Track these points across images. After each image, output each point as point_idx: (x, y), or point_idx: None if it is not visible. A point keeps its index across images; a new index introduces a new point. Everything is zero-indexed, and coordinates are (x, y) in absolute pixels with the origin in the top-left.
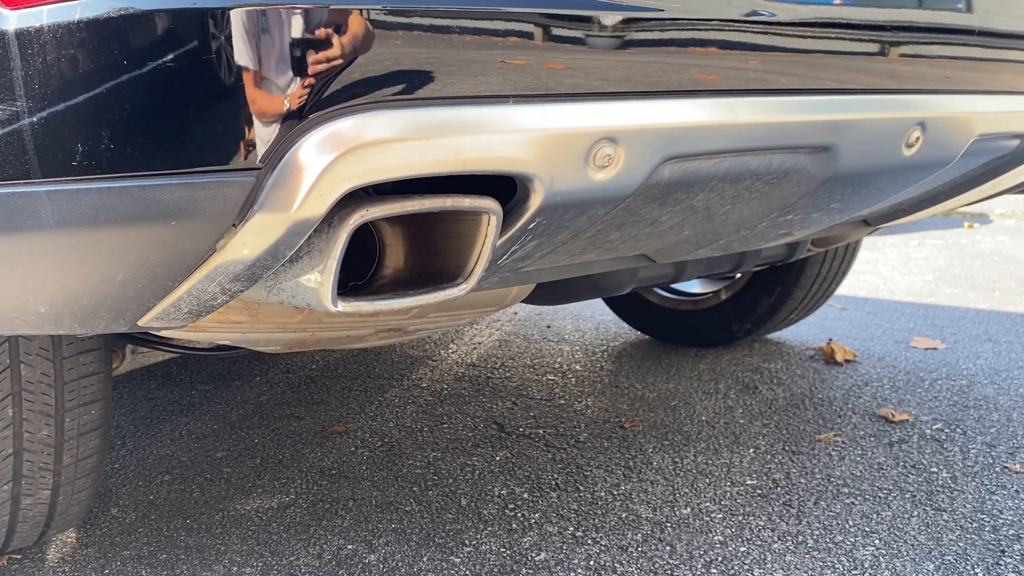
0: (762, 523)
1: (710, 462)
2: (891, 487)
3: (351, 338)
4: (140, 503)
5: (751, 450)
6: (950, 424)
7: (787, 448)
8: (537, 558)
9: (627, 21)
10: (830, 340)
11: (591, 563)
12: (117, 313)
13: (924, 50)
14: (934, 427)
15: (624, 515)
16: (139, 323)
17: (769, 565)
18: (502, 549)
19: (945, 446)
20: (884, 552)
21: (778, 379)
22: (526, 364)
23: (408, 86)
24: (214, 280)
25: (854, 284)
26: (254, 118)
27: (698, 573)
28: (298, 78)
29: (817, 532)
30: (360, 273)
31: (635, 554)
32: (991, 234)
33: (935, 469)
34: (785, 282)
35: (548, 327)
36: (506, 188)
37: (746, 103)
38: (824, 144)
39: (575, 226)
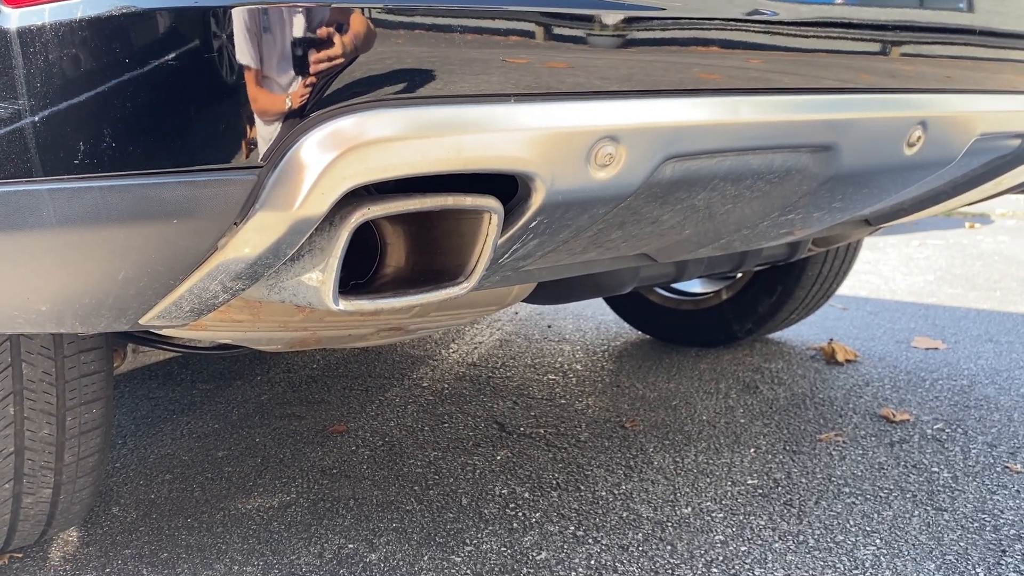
0: (763, 522)
1: (711, 462)
2: (892, 487)
3: (352, 337)
4: (141, 502)
5: (752, 450)
6: (951, 424)
7: (788, 448)
8: (538, 557)
9: (629, 20)
10: (831, 340)
11: (592, 562)
12: (119, 311)
13: (925, 50)
14: (935, 427)
15: (625, 514)
16: (140, 322)
17: (770, 564)
18: (503, 548)
19: (946, 446)
20: (885, 552)
21: (779, 379)
22: (527, 364)
23: (409, 85)
24: (215, 278)
25: (855, 284)
26: (256, 116)
27: (699, 572)
28: (299, 77)
29: (818, 532)
30: (361, 272)
31: (636, 553)
32: (992, 234)
33: (936, 469)
34: (786, 282)
35: (549, 327)
36: (507, 187)
37: (748, 102)
38: (825, 143)
39: (576, 225)
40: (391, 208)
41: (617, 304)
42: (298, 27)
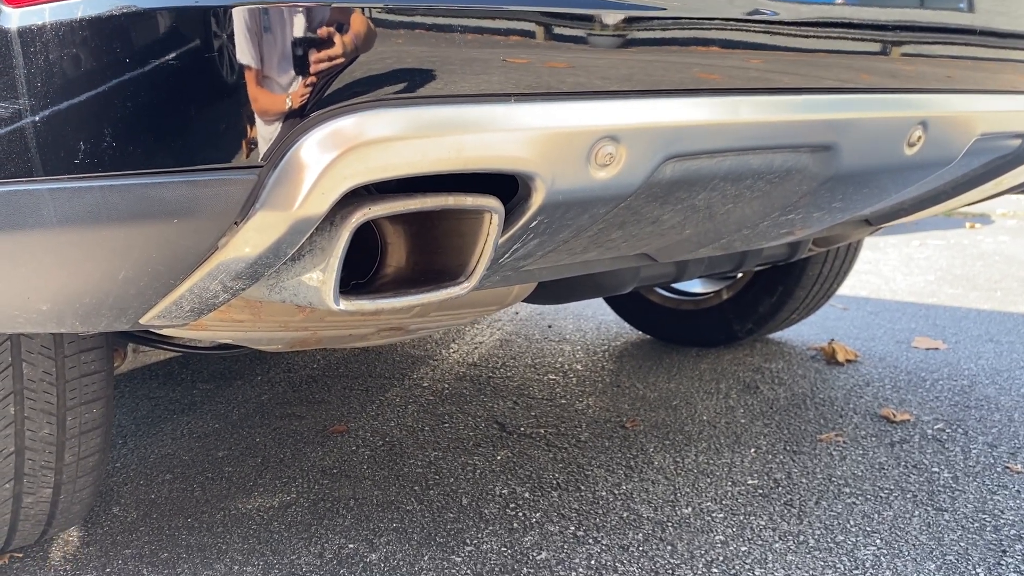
0: (763, 523)
1: (711, 462)
2: (892, 487)
3: (353, 337)
4: (141, 502)
5: (752, 450)
6: (951, 424)
7: (788, 448)
8: (538, 557)
9: (629, 20)
10: (831, 340)
11: (592, 562)
12: (119, 311)
13: (926, 49)
14: (935, 427)
15: (625, 514)
16: (141, 321)
17: (770, 565)
18: (503, 548)
19: (946, 446)
20: (885, 552)
21: (779, 379)
22: (527, 363)
23: (410, 84)
24: (216, 278)
25: (855, 284)
26: (256, 116)
27: (699, 573)
28: (300, 76)
29: (818, 532)
30: (362, 271)
31: (636, 553)
32: (993, 234)
33: (936, 469)
34: (786, 282)
35: (549, 327)
36: (508, 187)
37: (748, 102)
38: (826, 143)
39: (576, 225)
40: (392, 208)
41: (617, 304)
42: (298, 27)
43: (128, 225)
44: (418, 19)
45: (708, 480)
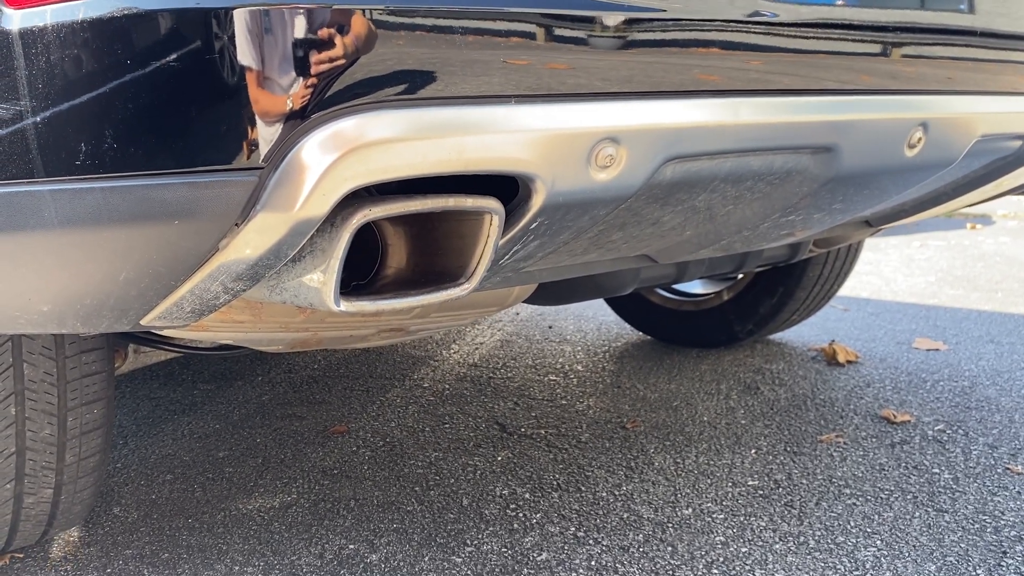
0: (764, 524)
1: (712, 463)
2: (893, 488)
3: (353, 338)
4: (142, 502)
5: (753, 451)
6: (952, 425)
7: (789, 449)
8: (539, 558)
9: (629, 21)
10: (832, 341)
11: (592, 563)
12: (120, 312)
13: (926, 51)
14: (936, 428)
15: (626, 515)
16: (142, 322)
17: (771, 566)
18: (504, 549)
19: (947, 447)
20: (886, 553)
21: (780, 380)
22: (528, 364)
23: (410, 86)
24: (217, 279)
25: (856, 285)
26: (257, 118)
27: (700, 573)
28: (301, 78)
29: (819, 533)
30: (363, 273)
31: (636, 554)
32: (993, 235)
33: (937, 470)
34: (787, 283)
35: (550, 327)
36: (508, 188)
37: (748, 103)
38: (826, 145)
39: (577, 226)
40: (392, 209)
41: (618, 305)
42: (299, 28)
43: (129, 226)
44: (419, 20)
45: (708, 481)
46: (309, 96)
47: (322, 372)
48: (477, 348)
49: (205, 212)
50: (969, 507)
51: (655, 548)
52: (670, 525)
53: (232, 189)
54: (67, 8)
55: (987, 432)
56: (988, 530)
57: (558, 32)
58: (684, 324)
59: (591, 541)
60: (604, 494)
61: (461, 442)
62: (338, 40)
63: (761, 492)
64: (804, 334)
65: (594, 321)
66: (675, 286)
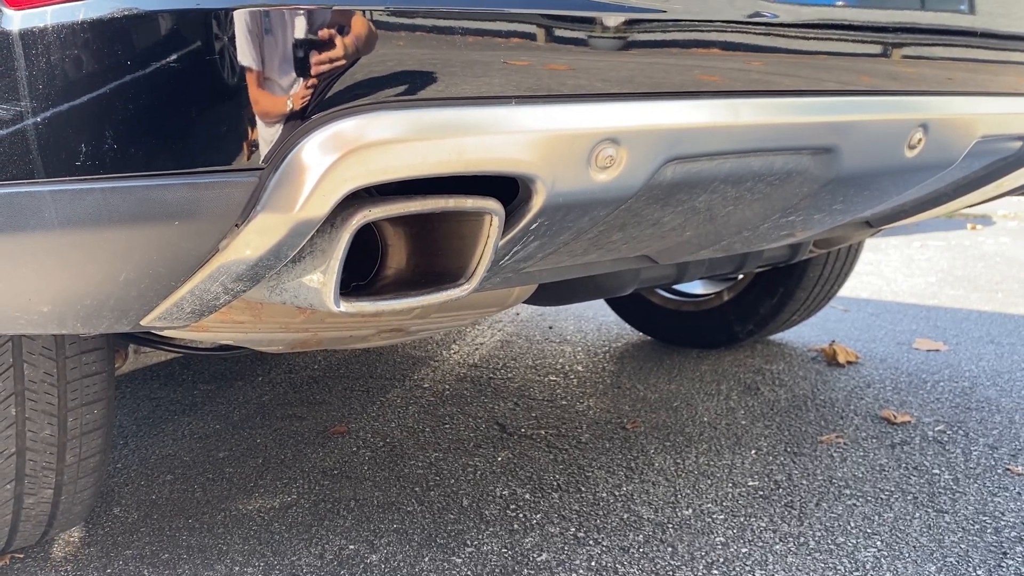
0: (764, 524)
1: (712, 463)
2: (893, 489)
3: (353, 338)
4: (142, 503)
5: (753, 451)
6: (952, 426)
7: (789, 449)
8: (539, 559)
9: (629, 22)
10: (832, 342)
11: (592, 564)
12: (120, 313)
13: (927, 52)
14: (936, 429)
15: (626, 516)
16: (142, 323)
17: (771, 566)
18: (504, 550)
19: (947, 448)
20: (886, 554)
21: (780, 380)
22: (528, 365)
23: (411, 87)
24: (217, 280)
25: (856, 286)
26: (257, 118)
27: (700, 574)
28: (301, 79)
29: (819, 533)
30: (363, 273)
31: (637, 555)
32: (994, 236)
33: (937, 471)
34: (787, 283)
35: (550, 328)
36: (508, 189)
37: (748, 104)
38: (826, 145)
39: (577, 227)
40: (392, 210)
41: (618, 305)
42: (300, 29)
43: (129, 227)
44: (419, 21)
45: (709, 482)
46: (309, 97)
47: (322, 372)
48: (477, 348)
49: (205, 213)
50: (969, 508)
51: (655, 549)
52: (670, 526)
53: (232, 190)
54: (67, 9)
55: (987, 433)
56: (988, 531)
57: (558, 33)
58: (684, 324)
59: (591, 542)
60: (604, 495)
61: (461, 442)
62: (338, 41)
63: (761, 493)
64: (804, 335)
65: (594, 321)
66: (675, 286)
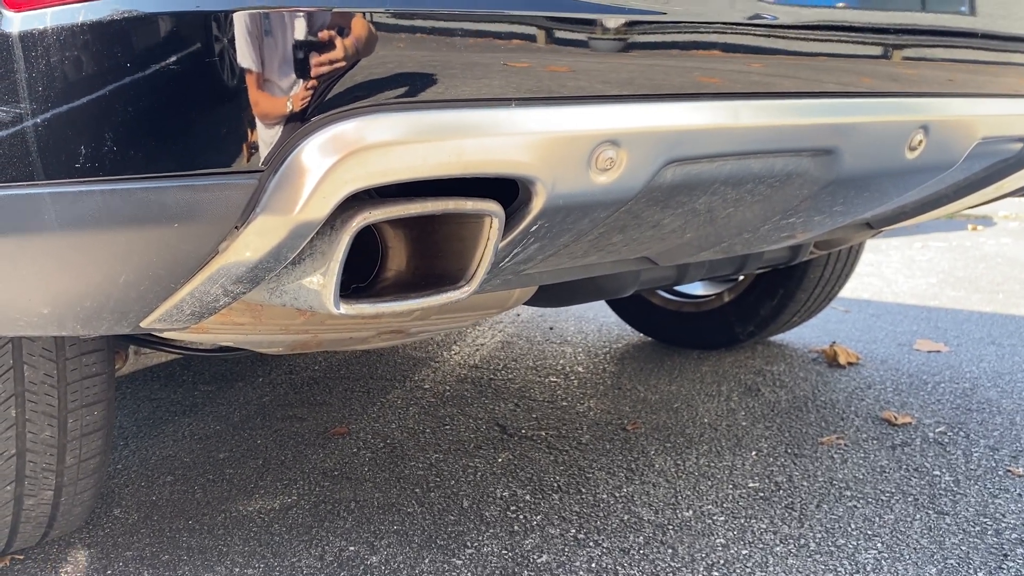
0: (764, 526)
1: (712, 464)
2: (893, 490)
3: (353, 340)
4: (142, 504)
5: (753, 453)
6: (953, 427)
7: (789, 451)
8: (539, 560)
9: (629, 24)
10: (833, 343)
11: (593, 565)
12: (120, 315)
13: (927, 53)
14: (937, 430)
15: (626, 517)
16: (142, 324)
17: (771, 568)
18: (504, 551)
19: (948, 449)
20: (886, 555)
21: (781, 382)
22: (528, 366)
23: (411, 89)
24: (216, 282)
25: (857, 287)
26: (257, 120)
27: None
28: (301, 81)
29: (819, 535)
30: (363, 275)
31: (637, 556)
32: (995, 236)
33: (938, 472)
34: (788, 285)
35: (551, 329)
36: (508, 191)
37: (748, 106)
38: (827, 147)
39: (577, 229)
40: (392, 212)
41: (619, 306)
42: (300, 31)
43: (129, 229)
44: (419, 23)
45: (709, 483)
46: (309, 99)
47: (323, 373)
48: (478, 350)
49: (205, 215)
50: (970, 509)
51: (655, 550)
52: (670, 527)
53: (232, 192)
54: (67, 11)
55: (988, 434)
56: (989, 532)
57: (558, 34)
58: (685, 326)
59: (591, 543)
60: (605, 496)
61: (462, 444)
62: (338, 43)
63: (762, 494)
64: (805, 336)
65: (595, 322)
66: (676, 288)
